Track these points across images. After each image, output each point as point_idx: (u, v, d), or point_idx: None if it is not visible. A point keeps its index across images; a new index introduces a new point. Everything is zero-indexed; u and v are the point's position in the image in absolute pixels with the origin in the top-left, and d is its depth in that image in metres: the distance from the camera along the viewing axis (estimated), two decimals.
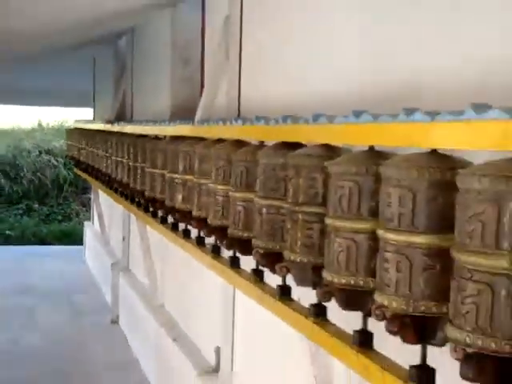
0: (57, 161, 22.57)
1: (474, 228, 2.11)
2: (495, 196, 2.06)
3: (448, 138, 2.41)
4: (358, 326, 3.00)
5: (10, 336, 10.65)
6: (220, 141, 4.60)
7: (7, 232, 20.95)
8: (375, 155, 2.94)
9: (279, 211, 3.55)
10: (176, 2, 7.87)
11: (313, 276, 3.19)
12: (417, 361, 2.60)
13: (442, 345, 2.52)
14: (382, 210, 2.68)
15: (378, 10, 3.93)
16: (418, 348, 2.59)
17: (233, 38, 6.21)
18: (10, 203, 22.61)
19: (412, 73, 3.63)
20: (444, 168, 2.47)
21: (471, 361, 2.11)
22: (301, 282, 3.38)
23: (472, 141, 2.27)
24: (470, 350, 2.12)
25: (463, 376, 2.16)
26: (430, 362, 2.60)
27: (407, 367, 2.65)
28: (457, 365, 2.19)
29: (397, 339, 2.59)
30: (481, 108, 2.23)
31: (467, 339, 2.10)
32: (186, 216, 5.26)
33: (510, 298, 2.03)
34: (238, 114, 5.95)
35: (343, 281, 2.89)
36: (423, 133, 2.54)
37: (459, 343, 2.14)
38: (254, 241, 3.88)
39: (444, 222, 2.40)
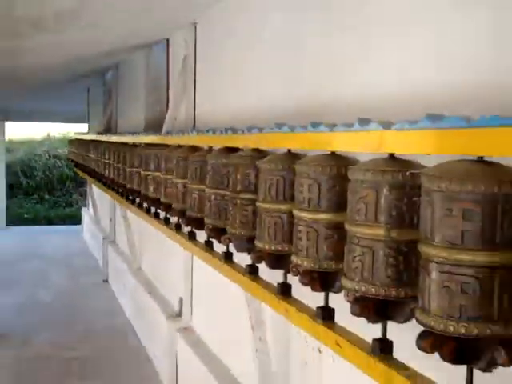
0: (61, 163, 22.60)
1: (360, 207, 2.19)
2: (374, 184, 2.15)
3: (342, 143, 2.49)
4: (280, 279, 3.06)
5: (27, 292, 10.64)
6: (180, 147, 4.62)
7: (25, 215, 20.97)
8: (292, 156, 2.95)
9: (223, 198, 3.59)
10: (149, 45, 7.90)
11: (248, 245, 3.24)
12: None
13: (338, 292, 2.56)
14: (296, 195, 2.70)
15: (295, 51, 4.05)
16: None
17: (189, 71, 6.25)
18: (26, 194, 22.57)
19: (311, 97, 3.69)
20: (340, 165, 2.51)
21: (358, 302, 2.20)
22: (239, 249, 3.43)
23: (358, 145, 2.39)
24: (357, 295, 2.20)
25: (352, 313, 2.24)
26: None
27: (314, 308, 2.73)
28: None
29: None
30: (364, 121, 2.35)
31: (356, 287, 2.18)
32: (156, 202, 5.25)
33: (385, 257, 2.14)
34: (194, 127, 5.99)
35: (272, 247, 2.93)
36: (326, 140, 2.60)
37: (350, 290, 2.22)
38: (205, 219, 3.90)
39: (339, 204, 2.46)
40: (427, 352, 1.86)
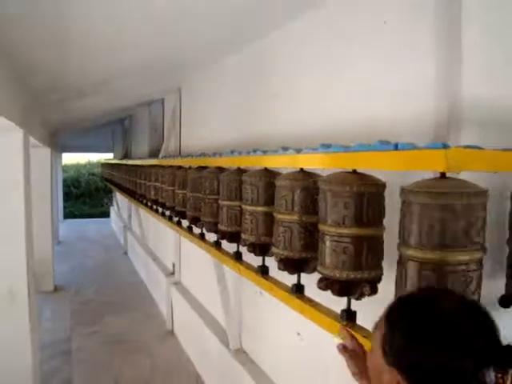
0: (96, 178, 22.44)
1: (282, 202, 2.20)
2: (291, 188, 2.17)
3: (271, 162, 2.49)
4: (235, 249, 3.06)
5: (77, 261, 10.53)
6: (171, 166, 4.58)
7: (75, 212, 20.80)
8: (241, 171, 2.91)
9: (198, 198, 3.56)
10: (151, 103, 7.89)
11: (214, 228, 3.22)
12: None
13: (271, 256, 2.48)
14: (244, 195, 2.65)
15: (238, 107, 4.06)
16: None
17: (176, 118, 6.22)
18: (75, 199, 22.28)
19: (250, 134, 3.71)
20: (270, 176, 2.51)
21: (282, 261, 2.21)
22: (209, 230, 3.39)
23: (281, 163, 2.40)
24: (282, 257, 2.20)
25: (279, 268, 2.25)
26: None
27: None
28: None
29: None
30: (284, 148, 2.38)
31: (280, 252, 2.18)
32: (156, 202, 5.23)
33: (298, 233, 2.17)
34: (179, 153, 5.99)
35: (229, 229, 2.91)
36: (260, 160, 2.56)
37: (277, 254, 2.22)
38: (187, 212, 3.88)
39: (270, 200, 2.43)
40: (323, 290, 1.88)
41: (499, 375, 1.02)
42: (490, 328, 1.07)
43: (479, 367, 1.01)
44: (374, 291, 1.81)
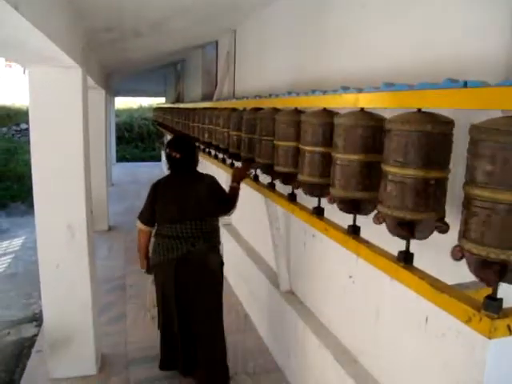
0: (148, 122, 22.73)
1: (338, 140, 2.22)
2: (351, 126, 2.17)
3: (331, 102, 2.47)
4: (288, 190, 3.04)
5: (129, 203, 10.78)
6: (225, 108, 4.52)
7: (127, 156, 21.23)
8: (298, 112, 2.80)
9: (252, 139, 3.52)
10: (204, 45, 7.84)
11: (269, 169, 3.18)
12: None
13: (324, 197, 2.40)
14: (302, 136, 2.60)
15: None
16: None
17: (230, 61, 6.17)
18: (127, 143, 22.69)
19: (306, 76, 3.65)
20: (331, 116, 2.40)
21: (341, 203, 2.25)
22: (264, 171, 3.36)
23: (341, 103, 2.37)
24: (340, 198, 2.26)
25: (340, 209, 2.26)
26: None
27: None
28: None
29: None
30: (345, 88, 2.33)
31: (339, 193, 2.20)
32: (210, 144, 5.18)
33: (356, 173, 2.17)
34: (233, 96, 5.96)
35: (285, 170, 2.86)
36: (319, 100, 2.51)
37: (335, 196, 2.24)
38: (241, 154, 3.84)
39: (328, 141, 2.37)
40: (378, 223, 1.89)
41: None
42: None
43: None
44: (444, 230, 1.77)
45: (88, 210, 3.90)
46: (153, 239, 3.78)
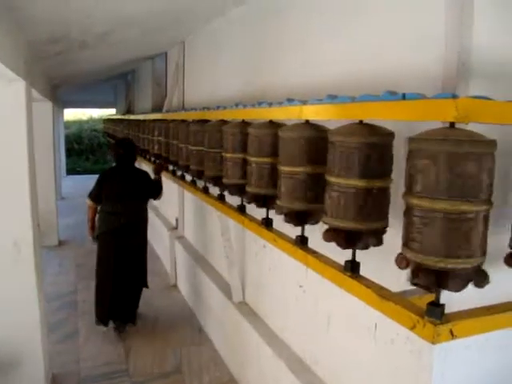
0: (98, 134, 22.33)
1: (284, 153, 2.24)
2: (295, 139, 2.19)
3: (276, 114, 2.50)
4: (239, 202, 3.02)
5: (80, 217, 10.13)
6: (174, 120, 4.52)
7: (77, 168, 20.81)
8: (245, 124, 2.81)
9: (201, 151, 3.49)
10: (154, 57, 7.80)
11: (218, 181, 3.18)
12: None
13: (272, 209, 2.44)
14: (249, 149, 2.60)
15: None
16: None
17: (179, 72, 6.15)
18: (78, 155, 22.25)
19: (254, 87, 3.70)
20: (277, 128, 2.41)
21: (286, 216, 2.27)
22: (213, 184, 3.36)
23: (286, 115, 2.40)
24: (285, 211, 2.28)
25: (286, 221, 2.26)
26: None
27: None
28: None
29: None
30: (290, 100, 2.35)
31: (286, 205, 2.25)
32: (159, 156, 5.22)
33: (301, 185, 2.18)
34: (183, 107, 5.94)
35: (233, 182, 2.85)
36: (265, 112, 2.52)
37: (280, 208, 2.28)
38: (191, 166, 3.82)
39: (274, 152, 2.36)
40: (328, 241, 1.88)
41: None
42: None
43: None
44: (378, 243, 1.81)
45: (35, 225, 3.77)
46: (98, 215, 4.92)
